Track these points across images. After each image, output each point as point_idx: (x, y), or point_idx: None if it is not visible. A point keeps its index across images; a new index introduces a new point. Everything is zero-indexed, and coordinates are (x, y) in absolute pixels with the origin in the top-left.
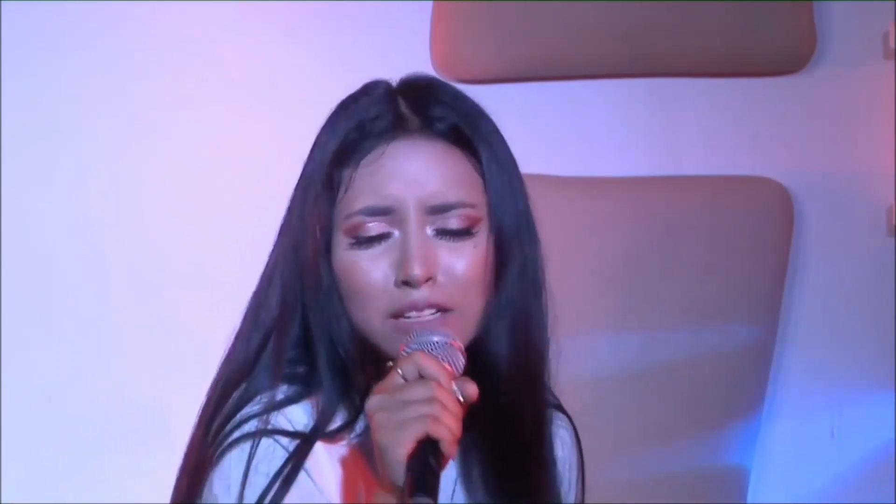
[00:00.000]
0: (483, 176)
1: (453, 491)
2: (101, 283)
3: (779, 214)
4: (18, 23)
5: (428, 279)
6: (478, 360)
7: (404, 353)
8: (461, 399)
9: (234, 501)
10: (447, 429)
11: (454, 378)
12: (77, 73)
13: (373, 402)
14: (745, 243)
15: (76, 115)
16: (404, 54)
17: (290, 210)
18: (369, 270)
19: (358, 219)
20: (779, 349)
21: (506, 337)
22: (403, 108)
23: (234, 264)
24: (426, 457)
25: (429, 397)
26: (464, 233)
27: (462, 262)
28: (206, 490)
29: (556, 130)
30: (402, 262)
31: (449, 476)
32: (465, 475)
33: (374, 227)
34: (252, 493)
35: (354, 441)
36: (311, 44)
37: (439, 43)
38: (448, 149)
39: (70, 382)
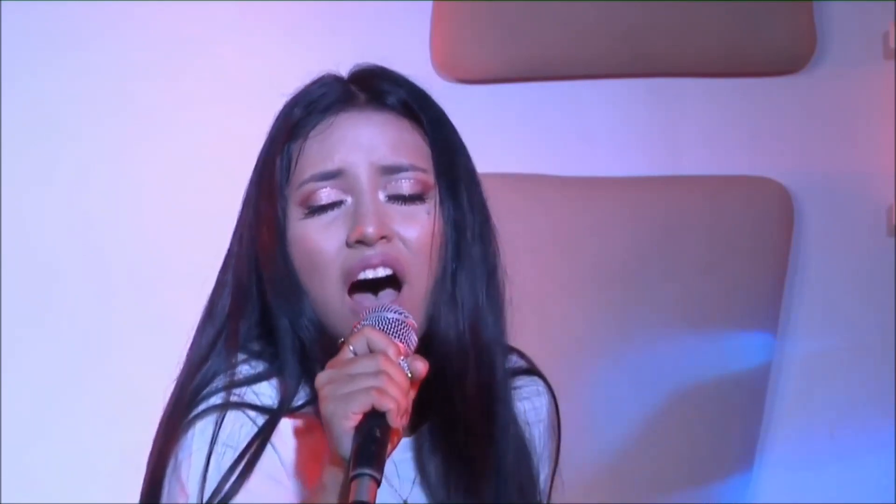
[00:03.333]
0: (431, 149)
1: (410, 491)
2: (101, 283)
3: (779, 214)
4: (18, 23)
5: (382, 237)
6: (429, 351)
7: (356, 330)
8: (410, 375)
9: (200, 466)
10: (393, 401)
11: (405, 355)
12: (77, 73)
13: (321, 376)
14: (745, 243)
15: (76, 115)
16: (404, 54)
17: (246, 196)
18: (322, 237)
19: (309, 186)
20: (779, 349)
21: (454, 326)
22: (352, 87)
23: None
24: (372, 428)
25: (376, 370)
26: (416, 198)
27: (415, 226)
28: (171, 463)
29: (556, 130)
30: (355, 224)
31: (406, 476)
32: (422, 470)
33: (326, 194)
34: (218, 465)
35: (318, 417)
36: (311, 44)
37: (439, 43)
38: (397, 119)
39: (70, 382)
